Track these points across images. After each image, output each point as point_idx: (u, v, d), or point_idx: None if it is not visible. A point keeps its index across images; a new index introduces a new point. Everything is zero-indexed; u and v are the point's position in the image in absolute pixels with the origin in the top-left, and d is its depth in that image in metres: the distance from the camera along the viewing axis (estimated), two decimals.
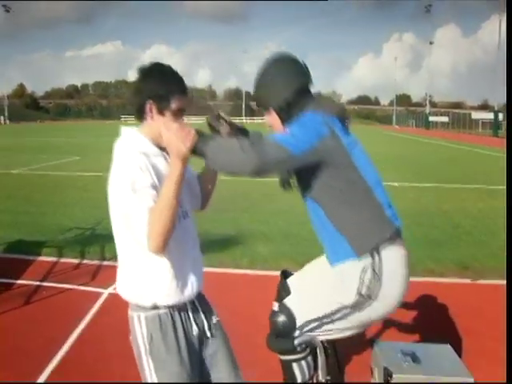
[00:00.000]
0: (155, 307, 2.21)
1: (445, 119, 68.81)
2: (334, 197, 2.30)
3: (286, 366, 2.42)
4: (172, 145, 2.00)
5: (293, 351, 2.38)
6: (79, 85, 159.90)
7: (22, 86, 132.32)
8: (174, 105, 2.14)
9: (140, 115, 2.18)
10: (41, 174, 15.27)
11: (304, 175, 2.36)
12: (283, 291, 2.64)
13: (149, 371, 2.23)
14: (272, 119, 2.48)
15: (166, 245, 2.04)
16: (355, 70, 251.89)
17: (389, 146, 30.00)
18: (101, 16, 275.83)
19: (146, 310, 2.22)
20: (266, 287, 3.85)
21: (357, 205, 2.29)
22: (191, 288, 2.28)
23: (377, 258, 2.25)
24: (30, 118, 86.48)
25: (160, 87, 2.12)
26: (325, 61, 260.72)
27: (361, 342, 4.17)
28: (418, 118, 79.94)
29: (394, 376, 2.29)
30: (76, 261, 6.65)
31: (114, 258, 5.78)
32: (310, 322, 2.35)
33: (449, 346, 2.72)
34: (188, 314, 2.30)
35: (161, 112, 2.14)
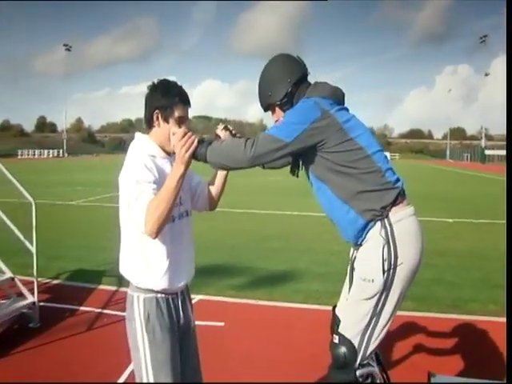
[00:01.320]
0: (152, 291, 2.51)
1: (502, 152, 66.86)
2: (337, 171, 2.44)
3: None
4: (177, 150, 2.30)
5: (353, 382, 2.45)
6: (133, 119, 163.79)
7: (79, 121, 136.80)
8: (176, 113, 2.49)
9: (149, 124, 2.54)
10: (97, 206, 15.77)
11: (306, 158, 2.54)
12: (336, 325, 2.73)
13: (143, 347, 2.50)
14: (277, 116, 2.68)
15: (160, 231, 2.32)
16: (407, 103, 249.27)
17: (443, 183, 29.53)
18: (157, 55, 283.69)
19: (144, 292, 2.52)
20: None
21: (359, 175, 2.42)
22: (184, 278, 2.63)
23: (386, 222, 2.37)
24: (86, 152, 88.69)
25: (164, 98, 2.48)
26: (377, 97, 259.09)
27: (418, 373, 4.23)
28: (472, 151, 78.31)
29: None
30: None
31: None
32: (363, 333, 2.44)
33: None
34: (178, 304, 2.63)
35: (166, 120, 2.50)
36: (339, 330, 2.50)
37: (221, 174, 2.75)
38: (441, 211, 14.94)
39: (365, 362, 2.47)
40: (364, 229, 2.43)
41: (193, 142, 2.32)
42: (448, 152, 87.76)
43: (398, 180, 2.52)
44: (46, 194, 17.24)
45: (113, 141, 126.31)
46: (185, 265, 2.63)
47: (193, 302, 6.37)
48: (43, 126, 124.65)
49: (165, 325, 2.53)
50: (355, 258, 2.58)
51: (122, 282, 7.01)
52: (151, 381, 2.51)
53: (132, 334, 2.56)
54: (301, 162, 2.68)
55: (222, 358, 4.92)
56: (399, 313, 5.87)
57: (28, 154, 71.15)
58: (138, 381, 2.56)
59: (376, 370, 2.54)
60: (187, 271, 2.66)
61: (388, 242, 2.37)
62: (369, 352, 2.46)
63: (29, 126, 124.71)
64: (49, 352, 4.95)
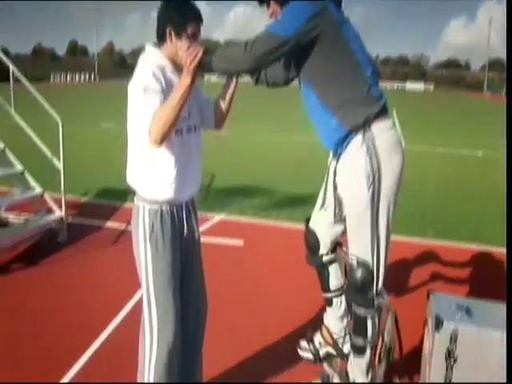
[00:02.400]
0: (157, 201, 2.57)
1: None
2: (325, 75, 2.44)
3: (361, 320, 2.54)
4: (184, 61, 2.34)
5: (370, 303, 2.50)
6: None
7: (110, 44, 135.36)
8: (189, 29, 2.49)
9: (161, 39, 2.54)
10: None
11: (299, 59, 2.51)
12: (315, 242, 2.83)
13: (144, 256, 2.61)
14: (273, 11, 2.62)
15: (164, 140, 2.38)
16: (446, 32, 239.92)
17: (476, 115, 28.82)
18: None
19: (150, 203, 2.59)
20: None
21: (347, 82, 2.42)
22: (189, 190, 2.68)
23: (368, 134, 2.38)
24: (118, 76, 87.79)
25: (177, 14, 2.49)
26: (415, 25, 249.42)
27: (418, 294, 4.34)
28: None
29: (444, 324, 2.43)
30: None
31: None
32: (372, 250, 2.49)
33: (503, 305, 2.80)
34: (183, 216, 2.69)
35: (178, 35, 2.50)
36: (352, 253, 2.54)
37: (228, 93, 2.75)
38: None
39: (380, 286, 2.52)
40: (344, 139, 2.43)
41: (198, 53, 2.34)
42: (486, 84, 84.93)
43: (381, 96, 2.51)
44: (76, 117, 17.42)
45: None
46: (191, 178, 2.68)
47: (214, 221, 6.72)
48: (74, 49, 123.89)
49: (168, 236, 2.60)
50: (336, 171, 2.58)
51: None
52: (151, 289, 2.62)
53: (136, 244, 2.66)
54: (293, 66, 2.65)
55: (239, 275, 5.11)
56: (416, 241, 6.07)
57: (60, 78, 71.20)
58: (141, 288, 2.68)
59: (386, 301, 2.60)
60: (193, 184, 2.71)
61: (370, 155, 2.39)
62: (382, 271, 2.52)
63: (60, 50, 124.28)
64: (75, 264, 5.20)
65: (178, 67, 2.53)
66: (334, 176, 2.60)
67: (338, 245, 2.83)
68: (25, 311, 4.23)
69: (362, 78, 2.44)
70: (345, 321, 2.79)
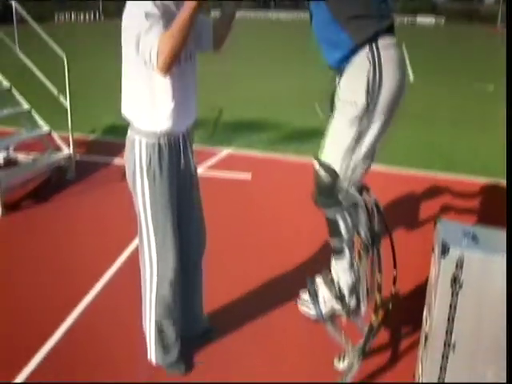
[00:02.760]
0: (155, 134, 2.51)
1: None
2: None
3: (332, 220, 2.57)
4: None
5: (336, 204, 2.52)
6: None
7: None
8: None
9: None
10: None
11: None
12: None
13: (141, 191, 2.57)
14: None
15: (171, 66, 2.27)
16: None
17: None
18: None
19: (146, 136, 2.52)
20: None
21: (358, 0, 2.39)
22: (186, 121, 2.63)
23: (374, 46, 2.35)
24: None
25: None
26: None
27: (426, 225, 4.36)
28: None
29: (450, 250, 2.43)
30: None
31: (201, 142, 6.02)
32: (344, 158, 2.46)
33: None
34: (180, 148, 2.63)
35: None
36: (321, 156, 2.53)
37: (227, 13, 2.66)
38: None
39: (347, 189, 2.52)
40: (352, 52, 2.39)
41: None
42: (500, 17, 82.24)
43: (390, 13, 2.46)
44: (81, 56, 17.18)
45: None
46: (188, 108, 2.62)
47: (221, 155, 6.70)
48: None
49: (166, 170, 2.55)
50: (339, 84, 2.52)
51: None
52: (150, 224, 2.61)
53: (132, 178, 2.59)
54: None
55: (247, 209, 5.14)
56: (427, 173, 6.04)
57: (64, 18, 69.89)
58: (138, 223, 2.67)
59: (359, 198, 2.59)
60: (190, 115, 2.65)
61: (374, 65, 2.35)
62: (349, 179, 2.52)
63: None
64: (84, 200, 5.25)
65: None
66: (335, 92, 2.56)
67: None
68: (33, 247, 4.30)
69: None
70: (352, 274, 2.77)
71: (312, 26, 2.56)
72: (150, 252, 2.66)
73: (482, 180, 5.97)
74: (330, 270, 2.71)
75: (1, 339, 3.14)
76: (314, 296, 2.69)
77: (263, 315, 3.41)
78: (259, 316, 3.39)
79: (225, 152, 6.90)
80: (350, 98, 2.44)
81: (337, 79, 2.57)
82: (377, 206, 2.69)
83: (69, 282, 3.75)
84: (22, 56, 6.07)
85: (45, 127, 6.04)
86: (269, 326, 3.32)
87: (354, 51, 2.40)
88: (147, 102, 2.48)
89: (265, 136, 7.62)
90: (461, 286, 2.40)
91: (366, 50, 2.37)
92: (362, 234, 2.63)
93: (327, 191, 2.53)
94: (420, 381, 2.60)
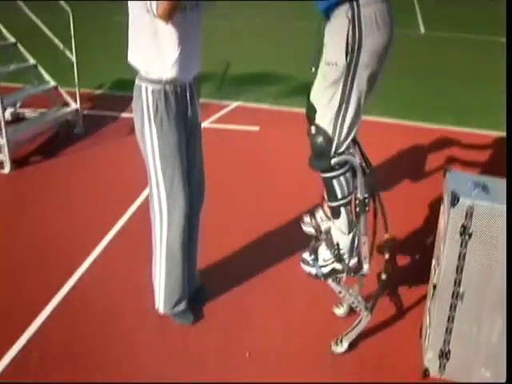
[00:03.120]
0: (160, 81, 2.50)
1: None
2: None
3: (328, 183, 2.58)
4: None
5: (332, 168, 2.53)
6: None
7: None
8: None
9: None
10: None
11: None
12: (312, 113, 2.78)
13: (150, 138, 2.57)
14: None
15: (172, 16, 2.28)
16: None
17: None
18: None
19: (153, 83, 2.51)
20: None
21: None
22: (193, 69, 2.61)
23: (355, 4, 2.31)
24: None
25: None
26: None
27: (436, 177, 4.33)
28: None
29: (460, 199, 2.40)
30: None
31: (209, 96, 5.95)
32: (335, 120, 2.46)
33: None
34: (187, 96, 2.62)
35: None
36: (316, 121, 2.53)
37: None
38: None
39: (340, 150, 2.52)
40: (334, 6, 2.35)
41: None
42: None
43: None
44: (87, 12, 16.91)
45: None
46: (194, 57, 2.59)
47: (230, 108, 6.64)
48: None
49: (173, 117, 2.55)
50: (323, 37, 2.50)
51: None
52: (159, 170, 2.61)
53: (139, 126, 2.59)
54: None
55: (253, 160, 5.14)
56: (434, 126, 5.96)
57: None
58: (147, 166, 2.66)
59: (354, 159, 2.59)
60: (196, 64, 2.63)
61: (353, 25, 2.31)
62: (343, 139, 2.51)
63: None
64: (92, 154, 5.24)
65: None
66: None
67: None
68: (43, 201, 4.32)
69: None
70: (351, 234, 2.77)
71: None
72: (160, 199, 2.66)
73: (492, 133, 5.88)
74: (330, 231, 2.73)
75: (16, 287, 3.20)
76: (315, 256, 2.72)
77: (262, 269, 3.42)
78: (258, 270, 3.41)
79: (233, 105, 6.84)
80: (331, 59, 2.42)
81: (322, 27, 2.54)
82: (368, 161, 2.70)
83: (79, 233, 3.78)
84: (27, 11, 5.97)
85: (51, 82, 5.99)
86: (269, 279, 3.35)
87: (337, 4, 2.35)
88: (152, 50, 2.45)
89: (272, 89, 7.52)
90: (470, 236, 2.38)
91: (347, 6, 2.33)
92: (359, 194, 2.63)
93: (322, 155, 2.53)
94: (428, 332, 2.61)
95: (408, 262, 3.54)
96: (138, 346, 2.77)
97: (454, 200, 2.42)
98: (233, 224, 3.93)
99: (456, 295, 2.41)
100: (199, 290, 3.13)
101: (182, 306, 2.91)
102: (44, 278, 3.29)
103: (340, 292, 2.76)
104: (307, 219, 2.91)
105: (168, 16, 2.26)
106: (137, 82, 2.58)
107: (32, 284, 3.25)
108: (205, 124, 5.99)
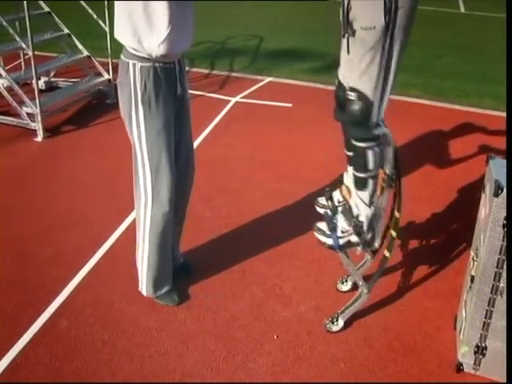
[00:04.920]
0: (150, 58, 2.38)
1: None
2: None
3: (360, 153, 2.52)
4: None
5: (369, 137, 2.46)
6: None
7: None
8: None
9: None
10: None
11: None
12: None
13: (136, 117, 2.47)
14: None
15: None
16: None
17: None
18: None
19: (141, 60, 2.39)
20: None
21: None
22: (183, 45, 2.48)
23: None
24: None
25: None
26: None
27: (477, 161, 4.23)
28: None
29: (505, 189, 2.31)
30: (206, 71, 7.04)
31: (242, 70, 5.97)
32: (375, 86, 2.39)
33: None
34: (176, 73, 2.51)
35: None
36: (353, 86, 2.42)
37: None
38: None
39: (379, 120, 2.46)
40: None
41: None
42: None
43: None
44: None
45: None
46: (185, 31, 2.45)
47: (263, 83, 6.56)
48: None
49: (162, 96, 2.45)
50: (350, 5, 2.39)
51: (193, 62, 7.10)
52: (144, 150, 2.53)
53: (126, 105, 2.48)
54: None
55: (287, 134, 5.05)
56: (461, 108, 5.80)
57: None
58: (132, 145, 2.58)
59: (389, 132, 2.52)
60: (187, 40, 2.50)
61: None
62: (383, 107, 2.44)
63: None
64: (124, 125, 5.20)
65: None
66: (348, 9, 2.42)
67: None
68: (75, 170, 4.33)
69: None
70: (372, 207, 2.71)
71: None
72: (145, 180, 2.59)
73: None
74: (350, 202, 2.67)
75: (49, 256, 3.21)
76: (333, 226, 2.66)
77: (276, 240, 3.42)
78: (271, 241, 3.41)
79: (266, 80, 6.75)
80: (368, 23, 2.33)
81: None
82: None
83: (110, 204, 3.78)
84: None
85: (84, 52, 5.98)
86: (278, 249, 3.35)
87: None
88: (143, 25, 2.32)
89: (306, 65, 7.39)
90: None
91: None
92: (387, 168, 2.58)
93: (362, 122, 2.44)
94: (463, 326, 2.55)
95: (436, 247, 3.46)
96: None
97: (498, 190, 2.33)
98: (243, 205, 3.89)
99: (495, 290, 2.33)
100: (183, 264, 3.10)
101: (166, 287, 2.86)
102: (71, 246, 3.31)
103: (348, 266, 2.74)
104: (323, 201, 2.85)
105: None
106: (123, 58, 2.45)
107: (65, 251, 3.27)
108: (236, 98, 5.99)
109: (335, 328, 2.73)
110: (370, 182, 2.57)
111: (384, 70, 2.40)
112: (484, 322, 2.39)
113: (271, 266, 3.22)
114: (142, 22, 2.32)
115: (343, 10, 2.53)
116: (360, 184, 2.60)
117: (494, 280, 2.32)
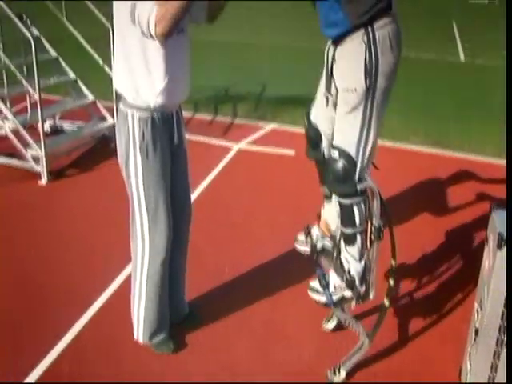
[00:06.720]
0: (148, 108, 2.43)
1: None
2: None
3: (347, 209, 2.55)
4: None
5: (354, 192, 2.50)
6: None
7: None
8: None
9: None
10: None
11: None
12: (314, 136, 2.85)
13: (134, 166, 2.51)
14: None
15: (171, 33, 2.21)
16: None
17: None
18: None
19: (140, 110, 2.44)
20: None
21: None
22: (180, 95, 2.56)
23: (369, 28, 2.33)
24: None
25: None
26: None
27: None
28: None
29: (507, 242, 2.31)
30: (210, 117, 7.15)
31: (245, 116, 6.03)
32: (358, 144, 2.45)
33: None
34: (173, 123, 2.57)
35: None
36: (336, 144, 2.50)
37: None
38: None
39: (363, 175, 2.51)
40: (348, 31, 2.37)
41: None
42: None
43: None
44: None
45: None
46: (182, 82, 2.54)
47: (266, 129, 6.63)
48: None
49: (159, 144, 2.50)
50: (334, 58, 2.53)
51: (197, 108, 7.19)
52: (142, 198, 2.56)
53: (123, 152, 2.53)
54: None
55: (289, 183, 5.09)
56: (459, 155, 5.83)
57: None
58: (129, 194, 2.61)
59: (374, 185, 2.56)
60: (184, 89, 2.58)
61: (369, 48, 2.33)
62: (366, 163, 2.50)
63: None
64: None
65: None
66: (332, 63, 2.55)
67: None
68: (78, 214, 4.35)
69: None
70: (363, 261, 2.74)
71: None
72: (142, 226, 2.61)
73: None
74: (341, 257, 2.69)
75: (49, 297, 3.20)
76: (325, 284, 2.69)
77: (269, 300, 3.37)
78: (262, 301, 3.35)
79: (268, 127, 6.83)
80: (350, 85, 2.42)
81: (331, 49, 2.56)
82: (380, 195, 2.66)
83: (112, 250, 3.76)
84: (68, 26, 6.12)
85: (90, 96, 6.08)
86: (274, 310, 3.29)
87: (350, 31, 2.38)
88: (141, 77, 2.40)
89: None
90: None
91: (362, 31, 2.34)
92: (375, 220, 2.60)
93: (345, 179, 2.50)
94: (468, 379, 2.51)
95: (440, 294, 3.44)
96: None
97: (501, 242, 2.33)
98: (245, 249, 3.90)
99: (500, 343, 2.31)
100: (189, 316, 3.07)
101: (163, 335, 2.84)
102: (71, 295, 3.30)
103: (345, 320, 2.76)
104: (302, 237, 2.86)
105: (167, 34, 2.21)
106: (121, 107, 2.51)
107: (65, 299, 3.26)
108: (239, 145, 6.04)
109: (337, 379, 2.70)
110: (359, 237, 2.60)
111: (367, 127, 2.46)
112: (489, 376, 2.36)
113: (274, 309, 3.21)
114: (140, 73, 2.40)
115: (327, 70, 2.63)
116: (349, 240, 2.63)
117: (499, 333, 2.31)
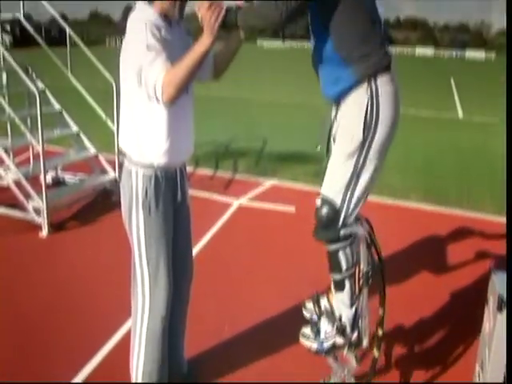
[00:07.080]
0: (152, 166, 2.48)
1: None
2: (343, 28, 2.39)
3: (333, 255, 2.56)
4: (206, 20, 2.20)
5: (338, 238, 2.51)
6: None
7: None
8: None
9: None
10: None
11: (321, 8, 2.41)
12: None
13: (136, 222, 2.53)
14: None
15: (177, 98, 2.26)
16: None
17: None
18: None
19: (144, 167, 2.49)
20: None
21: (363, 34, 2.40)
22: (184, 154, 2.62)
23: (373, 83, 2.39)
24: None
25: None
26: None
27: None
28: None
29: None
30: (210, 172, 7.23)
31: (246, 172, 6.10)
32: (345, 192, 2.48)
33: None
34: (177, 181, 2.61)
35: None
36: (321, 191, 2.56)
37: (233, 46, 2.62)
38: None
39: (348, 222, 2.52)
40: (351, 88, 2.43)
41: (221, 11, 2.22)
42: None
43: (389, 51, 2.51)
44: None
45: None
46: (186, 141, 2.60)
47: (265, 186, 6.68)
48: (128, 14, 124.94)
49: (162, 202, 2.53)
50: (336, 118, 2.58)
51: (198, 163, 7.27)
52: (143, 254, 2.57)
53: (127, 208, 2.55)
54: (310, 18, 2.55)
55: (290, 241, 5.08)
56: (461, 213, 5.86)
57: (115, 42, 72.30)
58: (132, 256, 2.62)
59: (359, 230, 2.59)
60: (188, 148, 2.64)
61: (372, 101, 2.39)
62: (351, 212, 2.52)
63: (116, 15, 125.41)
64: None
65: (169, 23, 2.43)
66: (333, 123, 2.61)
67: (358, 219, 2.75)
68: (79, 267, 4.33)
69: (375, 35, 2.44)
70: (354, 307, 2.72)
71: (312, 60, 2.59)
72: (143, 283, 2.61)
73: None
74: (332, 304, 2.70)
75: (47, 352, 3.15)
76: (316, 331, 2.67)
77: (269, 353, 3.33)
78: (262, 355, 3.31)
79: (269, 183, 6.88)
80: (348, 132, 2.47)
81: (333, 112, 2.62)
82: (371, 236, 2.70)
83: (112, 305, 3.72)
84: (73, 80, 6.29)
85: (92, 149, 6.16)
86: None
87: (353, 86, 2.44)
88: (145, 136, 2.46)
89: (309, 168, 7.57)
90: None
91: (365, 85, 2.41)
92: (363, 266, 2.62)
93: (328, 226, 2.53)
94: None
95: (440, 353, 3.39)
96: None
97: (501, 305, 2.34)
98: (245, 306, 3.87)
99: None
100: (189, 374, 3.03)
101: None
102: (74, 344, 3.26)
103: (337, 370, 2.74)
104: (310, 305, 2.85)
105: (174, 98, 2.26)
106: (126, 164, 2.56)
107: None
108: (240, 201, 6.08)
109: None
110: (347, 283, 2.60)
111: (356, 177, 2.49)
112: None
113: (274, 366, 3.18)
114: (144, 134, 2.46)
115: (329, 133, 2.69)
116: (338, 285, 2.63)
117: None
